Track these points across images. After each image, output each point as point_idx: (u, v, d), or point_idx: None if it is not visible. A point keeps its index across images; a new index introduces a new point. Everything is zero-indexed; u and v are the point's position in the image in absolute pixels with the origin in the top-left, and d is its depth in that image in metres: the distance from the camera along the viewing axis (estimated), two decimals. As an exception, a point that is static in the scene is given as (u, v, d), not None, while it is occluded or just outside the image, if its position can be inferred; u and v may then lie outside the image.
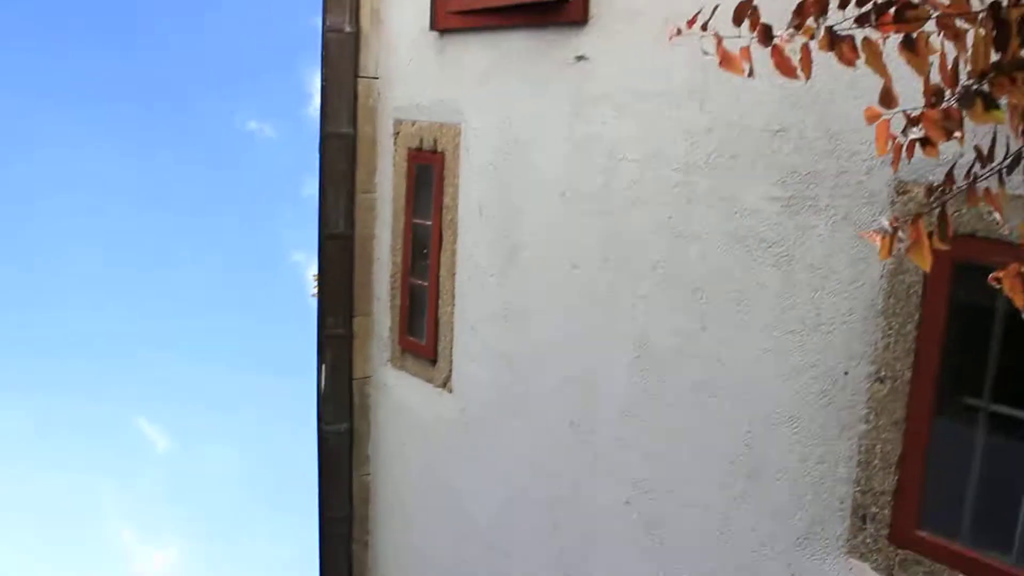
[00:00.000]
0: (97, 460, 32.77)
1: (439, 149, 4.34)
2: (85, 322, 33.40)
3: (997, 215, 1.52)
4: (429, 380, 4.62)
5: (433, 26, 4.27)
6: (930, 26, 1.43)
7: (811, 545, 2.82)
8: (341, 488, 5.26)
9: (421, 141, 4.48)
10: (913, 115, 1.46)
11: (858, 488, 2.69)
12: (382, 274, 4.98)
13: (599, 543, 3.61)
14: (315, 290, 5.03)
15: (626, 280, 3.34)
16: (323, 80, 4.77)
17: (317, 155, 4.86)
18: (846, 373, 2.69)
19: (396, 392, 4.93)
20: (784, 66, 1.55)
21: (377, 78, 4.83)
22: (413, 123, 4.54)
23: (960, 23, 1.41)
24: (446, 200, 4.34)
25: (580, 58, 3.47)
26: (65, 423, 31.92)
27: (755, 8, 1.56)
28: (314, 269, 5.07)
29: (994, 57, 1.38)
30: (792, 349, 2.81)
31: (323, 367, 5.02)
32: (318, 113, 4.80)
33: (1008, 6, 1.34)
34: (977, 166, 1.51)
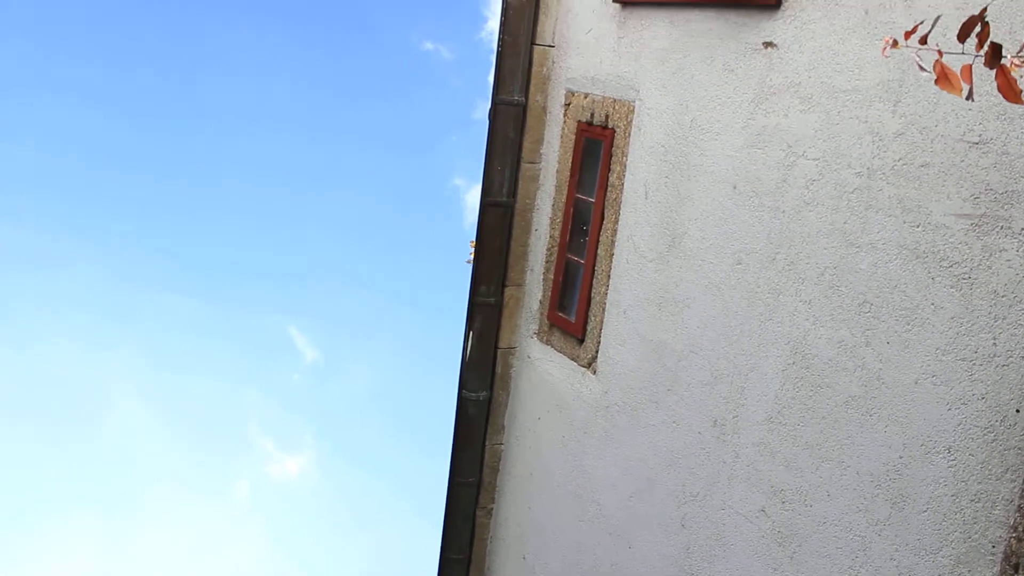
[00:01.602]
0: (247, 364, 34.80)
1: (610, 125, 4.27)
2: (250, 242, 34.98)
3: None
4: (574, 358, 4.60)
5: None
6: None
7: (956, 586, 2.65)
8: (473, 455, 5.32)
9: (592, 115, 4.42)
10: None
11: (1014, 535, 2.50)
12: (538, 246, 4.96)
13: (727, 547, 3.51)
14: (471, 256, 5.07)
15: (791, 283, 3.20)
16: (499, 46, 4.76)
17: (487, 122, 4.88)
18: (1018, 411, 2.50)
19: (539, 366, 4.92)
20: (1008, 90, 1.41)
21: (553, 46, 4.79)
22: (585, 96, 4.49)
23: None
24: (612, 178, 4.27)
25: (768, 44, 3.32)
26: (225, 329, 33.93)
27: (986, 24, 1.41)
28: (472, 235, 5.11)
29: None
30: (961, 377, 2.63)
31: (470, 334, 5.07)
32: (492, 77, 4.82)
33: None
34: None
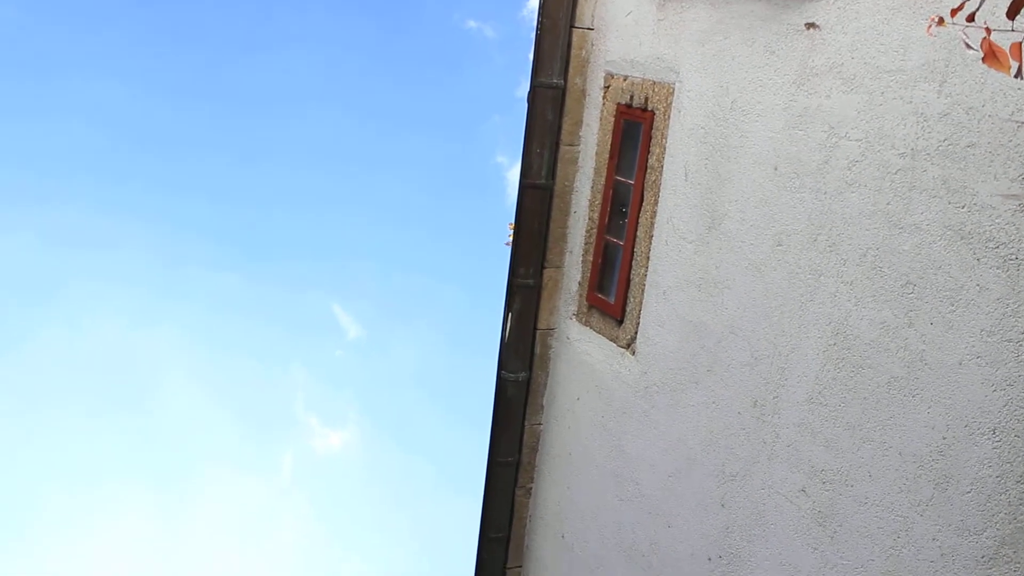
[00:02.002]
0: (291, 341, 35.51)
1: (649, 107, 4.28)
2: (295, 223, 35.38)
3: None
4: (613, 339, 4.62)
5: (659, -18, 4.18)
6: None
7: (998, 567, 2.66)
8: (512, 435, 5.37)
9: (631, 97, 4.42)
10: None
11: (1062, 515, 2.51)
12: (577, 228, 4.99)
13: (767, 527, 3.53)
14: (510, 238, 5.10)
15: (833, 264, 3.20)
16: (538, 29, 4.77)
17: (526, 104, 4.90)
18: (1066, 391, 2.50)
19: (578, 347, 4.95)
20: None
21: (592, 29, 4.80)
22: (625, 78, 4.49)
23: None
24: (651, 160, 4.28)
25: (810, 25, 3.31)
26: (270, 307, 34.42)
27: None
28: (511, 217, 5.13)
29: None
30: (1007, 358, 2.62)
31: (509, 315, 5.11)
32: (532, 58, 4.83)
33: None
34: None
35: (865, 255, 3.06)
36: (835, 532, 3.21)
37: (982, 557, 2.68)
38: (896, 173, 2.95)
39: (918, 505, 2.88)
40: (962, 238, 2.73)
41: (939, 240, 2.80)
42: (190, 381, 33.41)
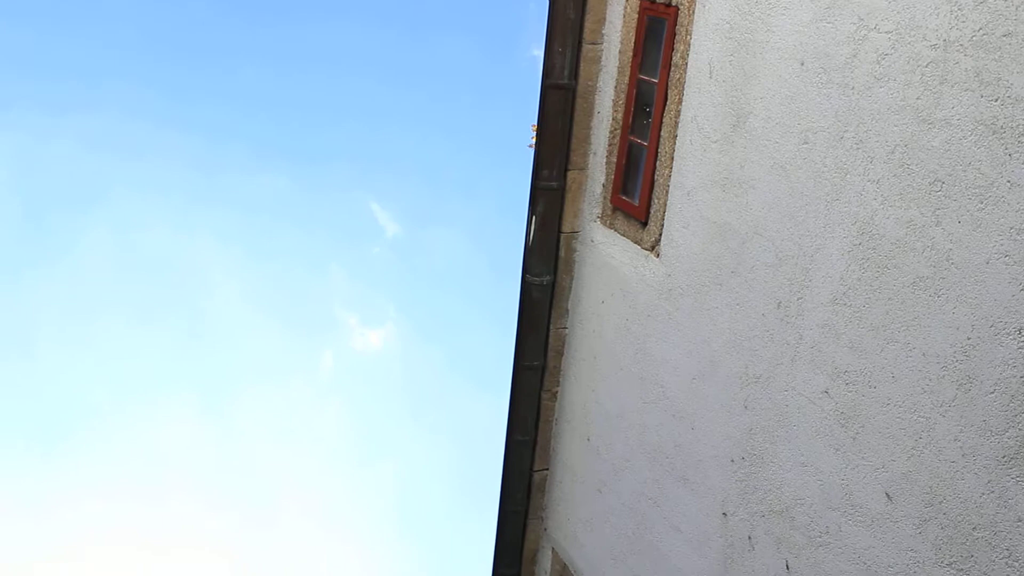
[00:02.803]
0: (331, 241, 36.19)
1: (673, 3, 4.14)
2: (333, 130, 35.42)
3: None
4: (637, 241, 4.58)
5: None
6: None
7: (1019, 466, 2.64)
8: (538, 339, 5.39)
9: (657, -7, 4.28)
10: None
11: (1087, 415, 2.47)
12: (601, 129, 4.89)
13: (790, 428, 3.53)
14: (533, 140, 5.02)
15: (859, 162, 3.11)
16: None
17: (547, 2, 4.76)
18: (1096, 290, 2.43)
19: (602, 250, 4.92)
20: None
21: (618, -78, 4.62)
22: (650, -27, 4.34)
23: None
24: (675, 58, 4.16)
25: (841, -88, 3.15)
26: (310, 209, 34.80)
27: None
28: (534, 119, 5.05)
29: None
30: (1036, 256, 2.55)
31: (533, 219, 5.06)
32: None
33: None
34: None
35: (893, 152, 2.97)
36: (857, 433, 3.20)
37: (1003, 457, 2.67)
38: (927, 66, 2.84)
39: (941, 406, 2.86)
40: (994, 133, 2.63)
41: (969, 135, 2.71)
42: (232, 284, 34.21)
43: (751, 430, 3.77)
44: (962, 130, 2.72)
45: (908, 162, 2.91)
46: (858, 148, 3.11)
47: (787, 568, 3.58)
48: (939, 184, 2.81)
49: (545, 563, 6.21)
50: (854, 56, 3.11)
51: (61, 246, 33.54)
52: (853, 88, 3.12)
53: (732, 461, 3.90)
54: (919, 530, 2.94)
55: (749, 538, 3.81)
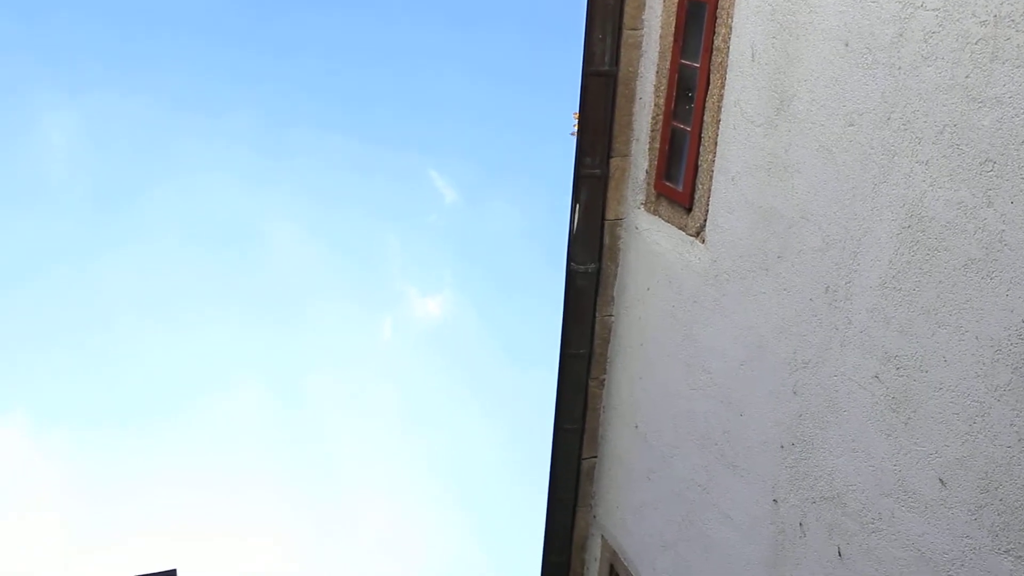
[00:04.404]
0: (389, 206, 36.61)
1: (715, -14, 4.09)
2: (395, 81, 35.51)
3: None
4: (682, 227, 4.55)
5: None
6: None
7: (1080, 450, 2.59)
8: (584, 327, 5.38)
9: (697, -24, 4.24)
10: None
11: None
12: (643, 115, 4.86)
13: (840, 414, 3.49)
14: (575, 128, 5.01)
15: (907, 143, 3.06)
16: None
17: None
18: None
19: (647, 236, 4.89)
20: None
21: (657, -95, 4.58)
22: (690, -44, 4.29)
23: None
24: (717, 41, 4.12)
25: None
26: (371, 164, 35.41)
27: None
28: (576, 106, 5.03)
29: None
30: (1092, 236, 2.50)
31: (577, 206, 5.05)
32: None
33: None
34: None
35: (942, 132, 2.92)
36: (909, 418, 3.15)
37: (1061, 441, 2.62)
38: (976, 43, 2.78)
39: (995, 390, 2.80)
40: (1046, 110, 2.57)
41: (1021, 114, 2.65)
42: (297, 239, 34.70)
43: (800, 416, 3.74)
44: (1014, 108, 2.66)
45: (958, 142, 2.86)
46: (905, 129, 3.06)
47: (839, 555, 3.55)
48: (990, 164, 2.75)
49: (595, 550, 6.22)
50: (900, 35, 3.05)
51: (131, 193, 34.61)
52: (900, 68, 3.07)
53: (782, 447, 3.87)
54: (974, 516, 2.90)
55: (800, 525, 3.78)
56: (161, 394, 32.20)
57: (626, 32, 4.75)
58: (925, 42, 2.95)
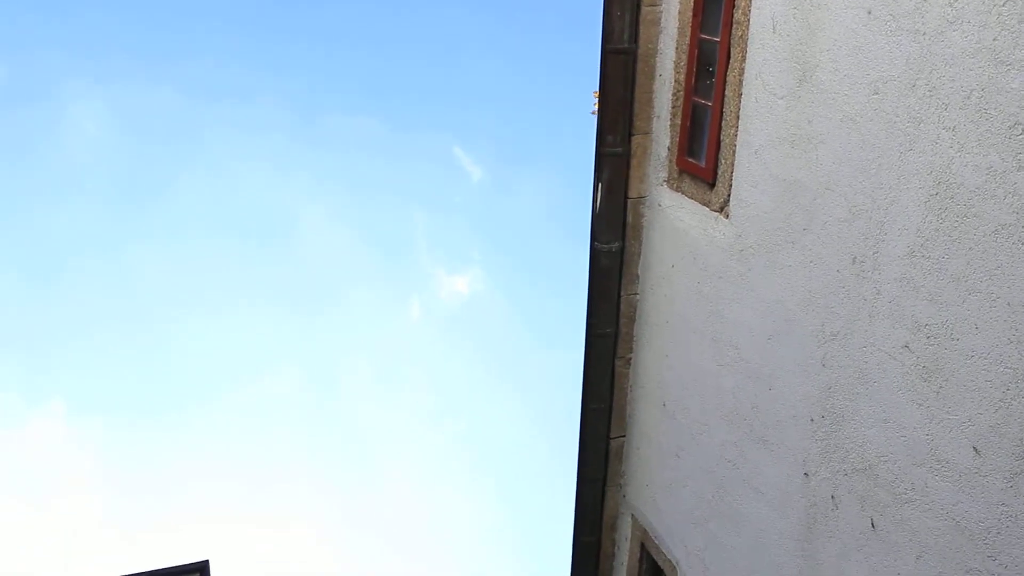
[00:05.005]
0: (416, 188, 36.72)
1: (734, -42, 4.06)
2: (420, 67, 35.67)
3: None
4: (705, 203, 4.53)
5: None
6: None
7: (1116, 414, 2.56)
8: (609, 305, 5.38)
9: (715, -51, 4.20)
10: None
11: None
12: (663, 91, 4.84)
13: (870, 385, 3.47)
14: (595, 107, 4.99)
15: (933, 109, 3.03)
16: None
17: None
18: None
19: (670, 213, 4.87)
20: None
21: None
22: (708, -71, 4.26)
23: None
24: (737, 15, 4.08)
25: None
26: (389, 148, 35.54)
27: None
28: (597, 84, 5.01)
29: None
30: (1125, 197, 2.46)
31: (599, 185, 5.04)
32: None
33: None
34: None
35: (969, 97, 2.88)
36: (941, 387, 3.13)
37: (1097, 405, 2.59)
38: (1004, 4, 2.74)
39: (1028, 355, 2.78)
40: (1075, 71, 2.54)
41: (1050, 75, 2.61)
42: (327, 224, 34.93)
43: (830, 388, 3.72)
44: (1041, 70, 2.63)
45: (985, 106, 2.82)
46: (931, 95, 3.02)
47: (872, 526, 3.53)
48: (1019, 127, 2.72)
49: (625, 529, 6.23)
50: (924, 0, 3.01)
51: (160, 184, 34.80)
52: (924, 34, 3.03)
53: (812, 420, 3.86)
54: (1010, 484, 2.87)
55: (832, 497, 3.77)
56: (196, 383, 32.75)
57: (644, 9, 4.73)
58: (950, 6, 2.91)
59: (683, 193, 4.74)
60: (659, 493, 5.56)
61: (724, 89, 4.23)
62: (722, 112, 4.27)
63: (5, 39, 31.09)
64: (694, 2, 4.42)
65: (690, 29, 4.48)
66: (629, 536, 6.17)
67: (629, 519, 6.14)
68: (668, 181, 4.88)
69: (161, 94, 32.99)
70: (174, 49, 33.38)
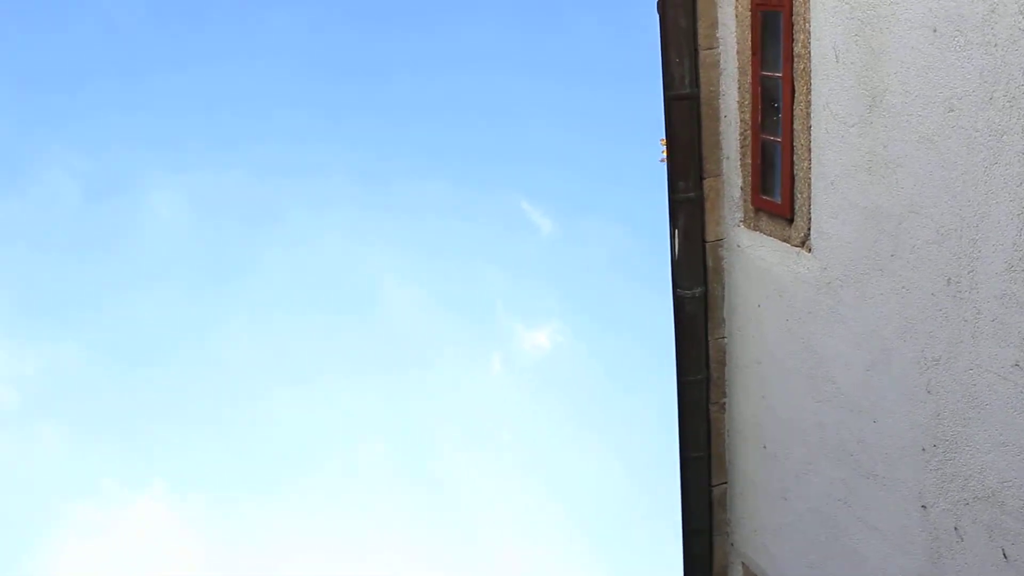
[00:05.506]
0: (488, 245, 36.85)
1: (787, -7, 4.06)
2: (484, 131, 36.16)
3: None
4: (785, 239, 4.47)
5: None
6: None
7: None
8: (697, 352, 5.31)
9: (767, -13, 4.21)
10: None
11: None
12: (730, 132, 4.82)
13: (982, 408, 3.36)
14: (664, 155, 5.00)
15: (1014, 119, 2.96)
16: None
17: (657, 15, 4.75)
18: None
19: (750, 253, 4.82)
20: None
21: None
22: (757, -32, 4.27)
23: None
24: (797, 48, 4.07)
25: None
26: (458, 208, 36.09)
27: None
28: (662, 132, 5.02)
29: None
30: None
31: (676, 232, 5.02)
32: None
33: None
34: None
35: (1050, 104, 2.82)
36: (1058, 403, 3.01)
37: None
38: (1074, 8, 2.69)
39: None
40: None
41: None
42: (404, 287, 35.30)
43: (939, 415, 3.60)
44: (1125, 68, 2.56)
45: (1069, 112, 2.75)
46: (1011, 106, 2.96)
47: (1005, 556, 3.38)
48: (1109, 129, 2.64)
49: (738, 579, 6.07)
50: (992, 11, 2.97)
51: (242, 264, 35.85)
52: (996, 45, 2.98)
53: (923, 450, 3.73)
54: None
55: (955, 529, 3.62)
56: (291, 455, 33.17)
57: (702, 52, 4.74)
58: (1021, 14, 2.86)
59: (761, 231, 4.69)
60: (769, 538, 5.41)
61: (792, 123, 4.20)
62: (793, 146, 4.23)
63: (93, 137, 32.80)
64: (751, 41, 4.42)
65: (750, 68, 4.48)
66: (742, 585, 6.01)
67: (740, 568, 5.98)
68: (745, 221, 4.84)
69: (234, 177, 34.24)
70: (242, 133, 34.82)
